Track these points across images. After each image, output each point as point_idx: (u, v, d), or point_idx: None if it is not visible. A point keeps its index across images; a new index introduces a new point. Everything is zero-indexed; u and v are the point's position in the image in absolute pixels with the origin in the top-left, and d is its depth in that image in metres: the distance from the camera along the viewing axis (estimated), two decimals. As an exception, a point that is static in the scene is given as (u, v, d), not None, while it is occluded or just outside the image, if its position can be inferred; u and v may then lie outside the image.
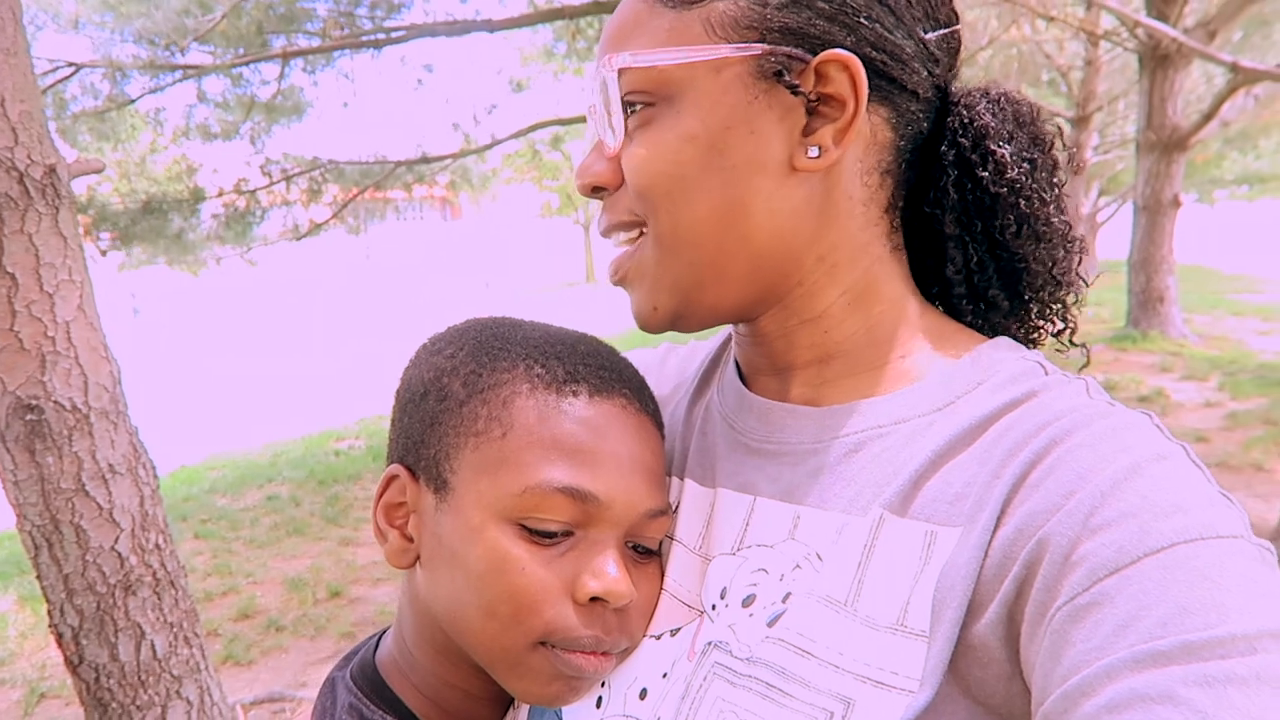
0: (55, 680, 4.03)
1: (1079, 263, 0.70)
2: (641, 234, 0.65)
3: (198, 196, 7.88)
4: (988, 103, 0.67)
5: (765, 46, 0.59)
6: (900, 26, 0.61)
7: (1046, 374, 0.62)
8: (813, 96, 0.60)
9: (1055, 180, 0.68)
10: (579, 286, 27.43)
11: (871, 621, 0.55)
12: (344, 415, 9.69)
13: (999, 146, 0.66)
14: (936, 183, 0.68)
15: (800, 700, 0.55)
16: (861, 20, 0.60)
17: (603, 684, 0.68)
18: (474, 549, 0.63)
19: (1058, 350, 0.70)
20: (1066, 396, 0.58)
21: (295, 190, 8.58)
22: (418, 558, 0.69)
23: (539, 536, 0.63)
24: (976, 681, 0.52)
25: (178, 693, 2.38)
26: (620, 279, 0.68)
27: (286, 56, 7.53)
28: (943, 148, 0.67)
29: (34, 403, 2.08)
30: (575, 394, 0.66)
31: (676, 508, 0.72)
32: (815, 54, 0.59)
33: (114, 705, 2.30)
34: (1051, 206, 0.67)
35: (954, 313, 0.71)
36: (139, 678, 2.31)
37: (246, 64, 7.40)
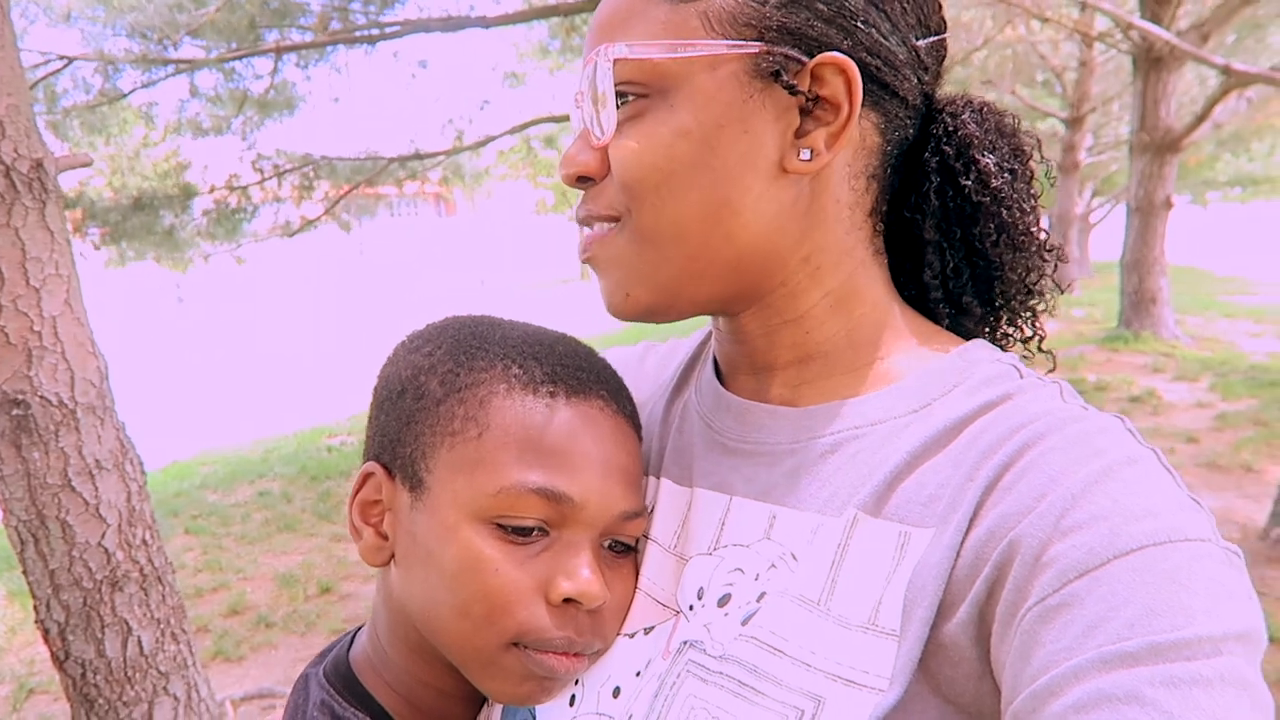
0: (44, 675, 4.02)
1: (1054, 269, 0.71)
2: (618, 224, 0.65)
3: (189, 192, 7.85)
4: (971, 112, 0.68)
5: (763, 45, 0.59)
6: (895, 32, 0.62)
7: (1021, 377, 0.62)
8: (810, 97, 0.60)
9: (1033, 191, 0.69)
10: (573, 283, 27.43)
11: (844, 621, 0.56)
12: (336, 411, 9.68)
13: (983, 156, 0.67)
14: (918, 189, 0.68)
15: (771, 698, 0.55)
16: (858, 24, 0.60)
17: (576, 682, 0.68)
18: (448, 548, 0.63)
19: (1024, 357, 0.71)
20: (1040, 400, 0.59)
21: (287, 186, 8.55)
22: (392, 556, 0.69)
23: (513, 537, 0.63)
24: (947, 680, 0.53)
25: (165, 689, 2.38)
26: (590, 258, 0.67)
27: (280, 51, 7.50)
28: (926, 154, 0.67)
29: (20, 398, 2.08)
30: (552, 395, 0.66)
31: (652, 507, 0.72)
32: (812, 56, 0.59)
33: (101, 701, 2.29)
34: (1030, 217, 0.68)
35: (930, 317, 0.71)
36: (126, 673, 2.31)
37: (239, 58, 7.37)
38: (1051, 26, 10.01)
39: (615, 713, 0.64)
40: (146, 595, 2.33)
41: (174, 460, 8.20)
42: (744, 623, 0.60)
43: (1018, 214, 0.67)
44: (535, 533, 0.64)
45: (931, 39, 0.65)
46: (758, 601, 0.60)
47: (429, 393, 0.67)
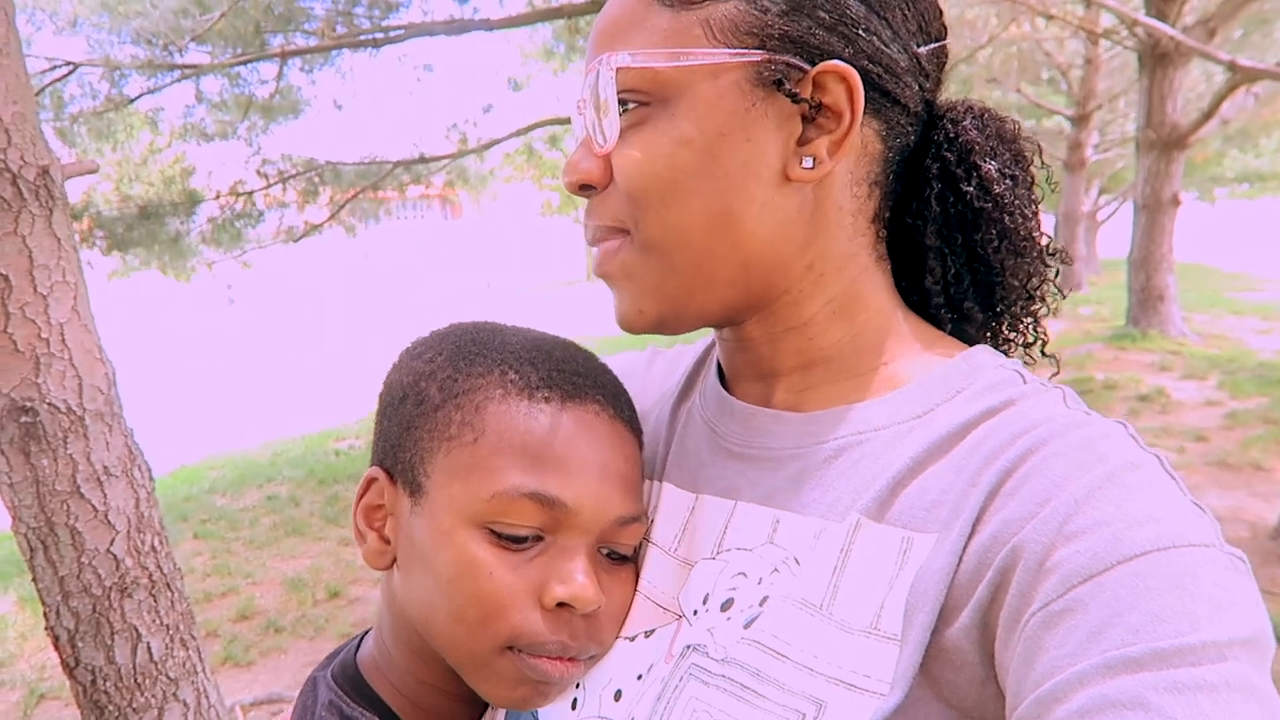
0: (54, 682, 4.04)
1: (1056, 275, 0.71)
2: (626, 237, 0.65)
3: (194, 199, 7.88)
4: (973, 118, 0.68)
5: (765, 54, 0.59)
6: (896, 40, 0.62)
7: (1024, 383, 0.62)
8: (813, 105, 0.60)
9: (1034, 197, 0.69)
10: (579, 285, 27.45)
11: (846, 625, 0.56)
12: (344, 415, 9.71)
13: (984, 162, 0.67)
14: (919, 194, 0.68)
15: (773, 701, 0.56)
16: (860, 32, 0.60)
17: (578, 685, 0.68)
18: (444, 553, 0.64)
19: (1027, 362, 0.71)
20: (1043, 405, 0.59)
21: (292, 192, 8.58)
22: (395, 560, 0.70)
23: (508, 542, 0.64)
24: (949, 685, 0.53)
25: (174, 695, 2.38)
26: (605, 274, 0.68)
27: (285, 56, 7.52)
28: (927, 161, 0.67)
29: (28, 405, 2.09)
30: (547, 400, 0.66)
31: (654, 511, 0.72)
32: (814, 64, 0.59)
33: (111, 708, 2.30)
34: (1032, 222, 0.68)
35: (932, 322, 0.71)
36: (135, 680, 2.31)
37: (244, 63, 7.39)
38: (1056, 23, 9.99)
39: (617, 716, 0.64)
40: (156, 602, 2.33)
41: (182, 464, 8.22)
42: (746, 626, 0.60)
43: (1019, 220, 0.67)
44: (530, 537, 0.64)
45: (932, 45, 0.65)
46: (760, 605, 0.60)
47: (428, 398, 0.68)
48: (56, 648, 2.30)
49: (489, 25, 7.55)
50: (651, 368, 0.87)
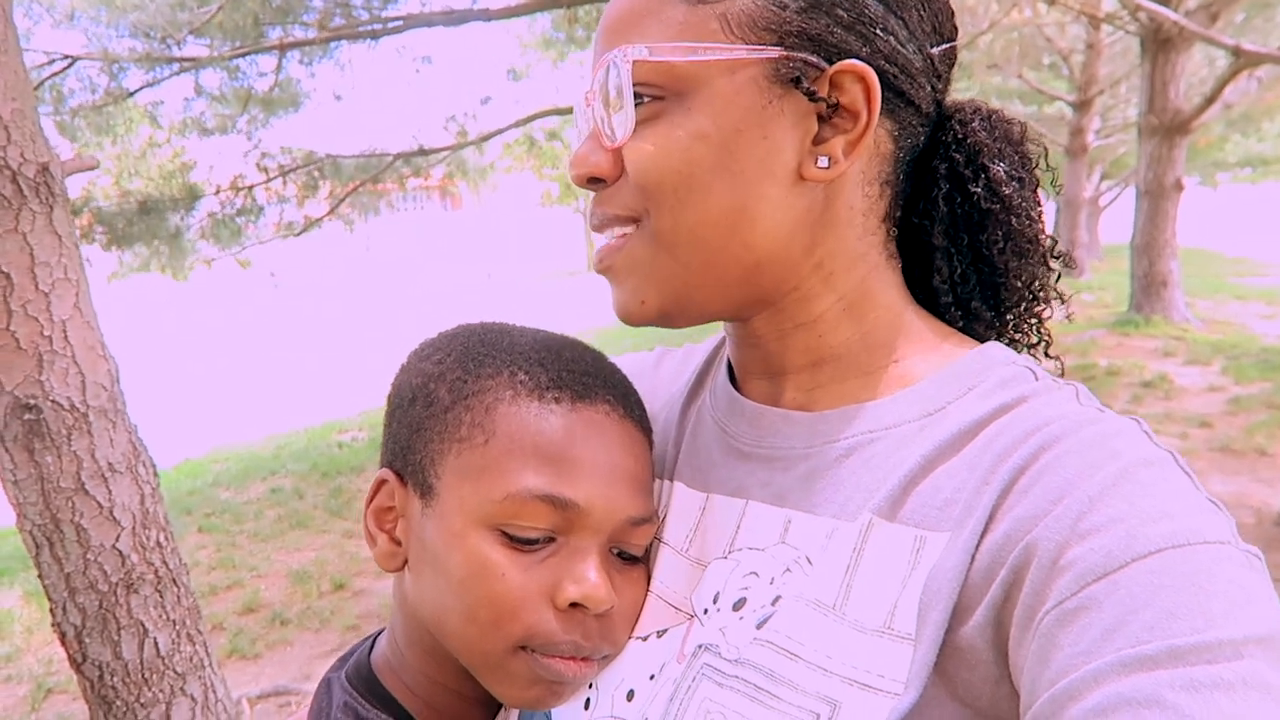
0: (62, 676, 4.06)
1: (1057, 279, 0.71)
2: (636, 226, 0.64)
3: (194, 194, 7.87)
4: (981, 119, 0.68)
5: (782, 51, 0.58)
6: (911, 40, 0.61)
7: (1036, 379, 0.61)
8: (830, 104, 0.59)
9: (1038, 199, 0.69)
10: (579, 275, 27.44)
11: (859, 625, 0.56)
12: (346, 407, 9.72)
13: (992, 163, 0.66)
14: (927, 194, 0.68)
15: (787, 702, 0.55)
16: (877, 32, 0.59)
17: (591, 685, 0.68)
18: (456, 554, 0.64)
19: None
20: (1056, 403, 0.58)
21: (292, 186, 8.57)
22: (406, 561, 0.70)
23: (519, 543, 0.64)
24: (963, 684, 0.52)
25: (182, 689, 2.39)
26: (606, 268, 0.67)
27: (283, 48, 7.50)
28: (935, 161, 0.67)
29: (32, 402, 2.09)
30: (557, 400, 0.66)
31: (666, 510, 0.72)
32: (831, 62, 0.59)
33: (119, 703, 2.31)
34: (1037, 225, 0.68)
35: (942, 321, 0.71)
36: (143, 675, 2.32)
37: (243, 55, 7.38)
38: (1058, 9, 9.94)
39: (630, 716, 0.64)
40: (162, 597, 2.34)
41: (186, 458, 8.24)
42: (759, 626, 0.60)
43: (1025, 222, 0.67)
44: (542, 539, 0.64)
45: (944, 46, 0.64)
46: (773, 605, 0.60)
47: (438, 400, 0.67)
48: (63, 643, 2.31)
49: (487, 15, 7.53)
50: (660, 368, 0.86)
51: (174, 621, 2.37)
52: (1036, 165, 0.69)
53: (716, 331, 0.79)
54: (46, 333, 2.09)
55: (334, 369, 13.21)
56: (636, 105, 0.60)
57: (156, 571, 2.33)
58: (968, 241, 0.68)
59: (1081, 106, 14.96)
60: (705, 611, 0.64)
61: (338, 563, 5.27)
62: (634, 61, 0.59)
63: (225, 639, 4.36)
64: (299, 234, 8.75)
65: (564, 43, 10.50)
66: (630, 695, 0.65)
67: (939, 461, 0.58)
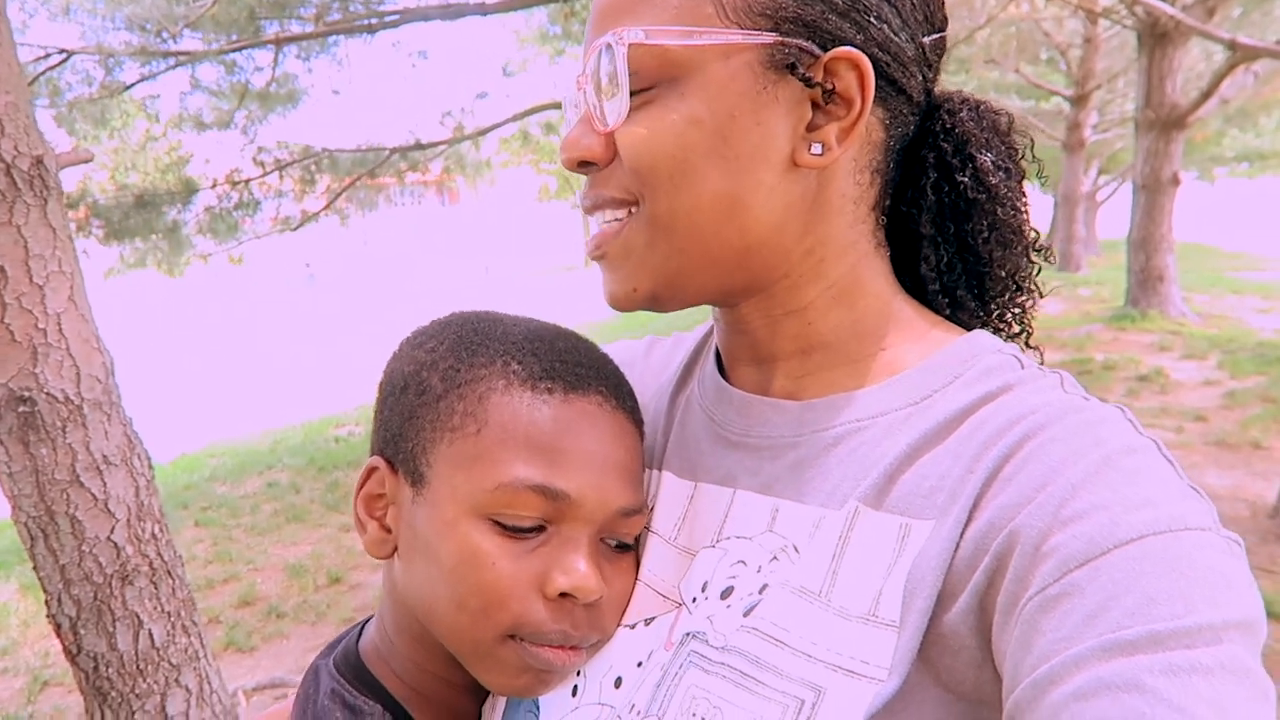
0: (58, 668, 4.06)
1: (1038, 271, 0.72)
2: (631, 212, 0.63)
3: (190, 188, 7.85)
4: (969, 110, 0.68)
5: (777, 36, 0.58)
6: (904, 29, 0.61)
7: (1022, 368, 0.62)
8: (828, 89, 0.59)
9: (1023, 190, 0.69)
10: (577, 270, 27.41)
11: (844, 612, 0.56)
12: (343, 401, 9.72)
13: (980, 154, 0.67)
14: (915, 183, 0.68)
15: (772, 688, 0.56)
16: (872, 20, 0.59)
17: (579, 673, 0.68)
18: (446, 543, 0.64)
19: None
20: (1041, 391, 0.59)
21: (289, 181, 8.55)
22: (395, 549, 0.70)
23: (511, 532, 0.64)
24: (947, 670, 0.53)
25: (176, 681, 2.40)
26: (601, 255, 0.66)
27: (279, 42, 7.48)
28: (923, 150, 0.67)
29: (26, 394, 2.08)
30: (550, 391, 0.66)
31: (654, 499, 0.72)
32: (826, 49, 0.59)
33: (113, 694, 2.31)
34: (1022, 216, 0.69)
35: (930, 309, 0.71)
36: (137, 667, 2.32)
37: (239, 49, 7.35)
38: (1055, 3, 9.94)
39: (617, 703, 0.64)
40: (157, 589, 2.34)
41: (183, 453, 8.24)
42: (746, 614, 0.60)
43: (1010, 212, 0.68)
44: (533, 528, 0.64)
45: (935, 35, 0.65)
46: (760, 593, 0.60)
47: (430, 388, 0.67)
48: (59, 635, 2.31)
49: (484, 10, 7.51)
50: (649, 357, 0.86)
51: (169, 613, 2.37)
52: (1022, 156, 0.69)
53: (706, 320, 0.79)
54: (41, 325, 2.09)
55: (331, 364, 13.20)
56: (631, 89, 0.60)
57: (151, 563, 2.33)
58: (953, 230, 0.69)
59: (1079, 101, 14.95)
60: (694, 600, 0.64)
61: (334, 556, 5.27)
62: (630, 45, 0.59)
63: (222, 632, 4.36)
64: (296, 228, 8.73)
65: (560, 37, 10.47)
66: (618, 683, 0.65)
67: (924, 450, 0.58)
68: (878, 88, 0.60)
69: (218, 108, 7.98)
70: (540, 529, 0.65)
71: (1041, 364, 0.66)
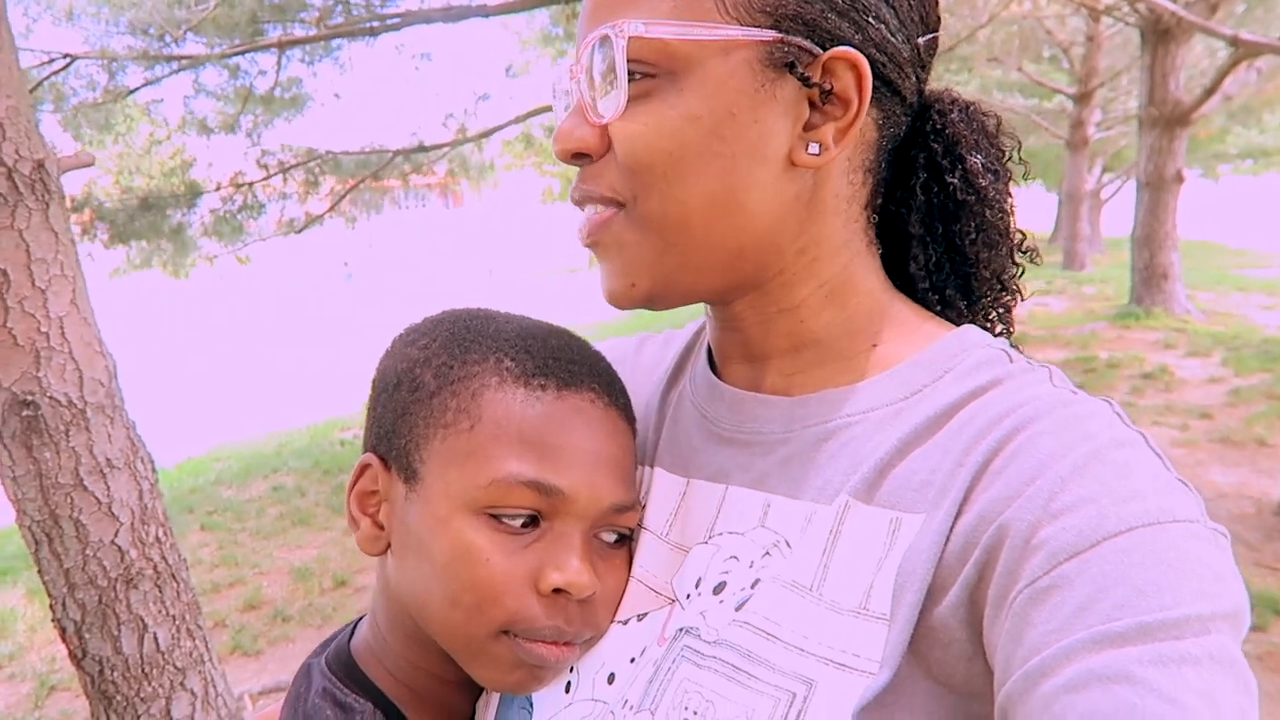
0: (65, 673, 4.07)
1: (1021, 273, 0.72)
2: (618, 209, 0.63)
3: (195, 191, 7.87)
4: (959, 111, 0.68)
5: (778, 34, 0.58)
6: (901, 29, 0.61)
7: (1011, 362, 0.62)
8: (826, 88, 0.59)
9: (1010, 192, 0.70)
10: (580, 272, 27.43)
11: (835, 606, 0.56)
12: (348, 404, 9.72)
13: (970, 155, 0.67)
14: (905, 183, 0.68)
15: (764, 681, 0.56)
16: (870, 20, 0.59)
17: (571, 669, 0.68)
18: (440, 539, 0.64)
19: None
20: (1030, 385, 0.59)
21: (292, 183, 8.56)
22: (389, 545, 0.70)
23: (504, 528, 0.64)
24: (937, 662, 0.53)
25: (182, 684, 2.40)
26: (594, 242, 0.66)
27: (281, 45, 7.50)
28: (914, 151, 0.68)
29: (29, 398, 2.09)
30: (543, 387, 0.66)
31: (646, 496, 0.72)
32: (825, 49, 0.59)
33: (119, 698, 2.32)
34: (1009, 217, 0.69)
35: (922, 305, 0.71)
36: (143, 670, 2.33)
37: (241, 53, 7.37)
38: (1058, 1, 9.92)
39: (610, 699, 0.64)
40: (161, 592, 2.35)
41: (188, 456, 8.25)
42: (738, 609, 0.60)
43: (997, 214, 0.68)
44: (526, 524, 0.65)
45: (929, 36, 0.65)
46: (752, 588, 0.61)
47: (423, 385, 0.68)
48: (64, 639, 2.32)
49: (486, 12, 7.51)
50: (641, 354, 0.87)
51: (173, 617, 2.38)
52: (1010, 159, 0.70)
53: (699, 316, 0.79)
54: (43, 329, 2.10)
55: (336, 366, 13.22)
56: (628, 82, 0.59)
57: (155, 567, 2.33)
58: (942, 231, 0.69)
59: (1082, 99, 14.93)
60: (687, 596, 0.64)
61: (339, 560, 5.28)
62: (630, 37, 0.58)
63: (228, 636, 4.37)
64: (300, 231, 8.75)
65: (562, 39, 10.48)
66: (611, 678, 0.65)
67: (915, 444, 0.59)
68: (874, 88, 0.60)
69: (222, 111, 8.00)
70: (534, 525, 0.65)
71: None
